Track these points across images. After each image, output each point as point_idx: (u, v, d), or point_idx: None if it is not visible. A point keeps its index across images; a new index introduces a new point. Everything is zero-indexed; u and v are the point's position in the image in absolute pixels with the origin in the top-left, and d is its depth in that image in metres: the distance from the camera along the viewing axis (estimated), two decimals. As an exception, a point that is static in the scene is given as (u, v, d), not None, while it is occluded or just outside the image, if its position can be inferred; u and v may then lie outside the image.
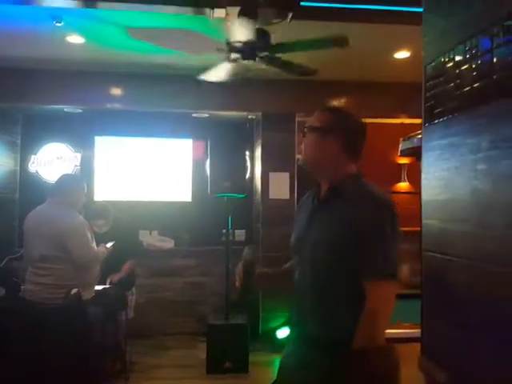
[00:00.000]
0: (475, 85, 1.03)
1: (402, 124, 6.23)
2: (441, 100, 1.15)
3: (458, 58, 1.10)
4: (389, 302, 1.57)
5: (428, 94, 1.20)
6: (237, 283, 5.18)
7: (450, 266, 1.12)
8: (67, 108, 5.65)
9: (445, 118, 1.12)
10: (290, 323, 1.94)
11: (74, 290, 2.97)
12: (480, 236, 1.02)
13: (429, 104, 1.19)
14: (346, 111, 1.84)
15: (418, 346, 1.46)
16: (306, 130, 1.85)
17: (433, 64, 1.20)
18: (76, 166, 6.10)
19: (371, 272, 1.59)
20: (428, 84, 1.21)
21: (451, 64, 1.12)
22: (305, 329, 1.79)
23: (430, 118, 1.19)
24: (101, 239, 4.03)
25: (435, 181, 1.16)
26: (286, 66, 3.90)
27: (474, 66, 1.04)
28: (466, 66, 1.07)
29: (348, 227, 1.63)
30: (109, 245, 4.04)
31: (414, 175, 7.00)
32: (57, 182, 3.80)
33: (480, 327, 1.06)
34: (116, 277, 4.50)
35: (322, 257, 1.71)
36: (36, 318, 2.38)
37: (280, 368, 1.87)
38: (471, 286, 1.08)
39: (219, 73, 3.94)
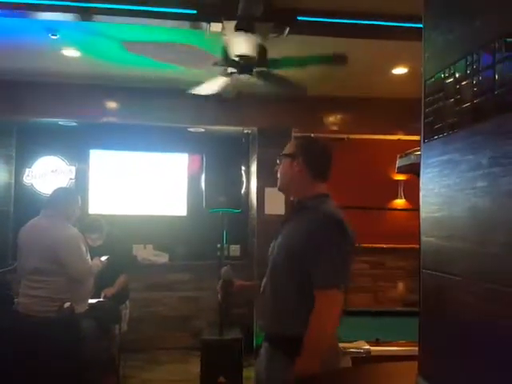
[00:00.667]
0: (476, 100, 1.02)
1: (398, 140, 6.25)
2: (440, 116, 1.13)
3: (458, 74, 1.09)
4: (332, 309, 1.83)
5: (427, 110, 1.19)
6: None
7: (449, 284, 1.10)
8: (62, 121, 5.64)
9: (444, 134, 1.11)
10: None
11: (67, 304, 2.94)
12: (479, 254, 1.00)
13: (428, 120, 1.18)
14: (310, 138, 2.29)
15: (414, 364, 1.43)
16: (278, 158, 2.16)
17: (433, 79, 1.19)
18: (71, 179, 6.09)
19: (318, 281, 1.83)
20: (427, 99, 1.19)
21: (451, 79, 1.11)
22: (267, 329, 2.04)
23: (429, 133, 1.18)
24: (95, 253, 4.00)
25: (434, 198, 1.14)
26: (281, 81, 3.91)
27: (474, 81, 1.03)
28: (466, 82, 1.05)
29: (302, 239, 1.90)
30: (103, 258, 4.02)
31: (411, 192, 7.00)
32: (51, 195, 3.79)
33: (479, 347, 1.03)
34: (110, 291, 4.47)
35: (279, 264, 1.98)
36: (29, 330, 2.34)
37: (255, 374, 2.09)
38: (470, 304, 1.06)
39: (212, 86, 3.94)
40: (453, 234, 1.05)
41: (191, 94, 4.24)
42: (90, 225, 4.51)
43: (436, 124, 1.14)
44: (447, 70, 1.15)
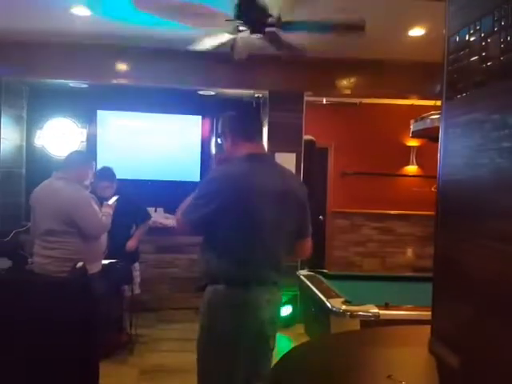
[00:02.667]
0: (503, 58, 0.97)
1: (411, 106, 6.15)
2: (464, 74, 1.09)
3: (484, 30, 1.04)
4: None
5: (450, 68, 1.14)
6: None
7: (467, 247, 1.08)
8: (72, 83, 5.59)
9: (468, 93, 1.07)
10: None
11: (79, 264, 2.97)
12: (502, 216, 0.98)
13: (451, 78, 1.14)
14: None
15: (426, 328, 1.42)
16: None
17: (457, 36, 1.14)
18: (82, 141, 6.07)
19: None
20: (451, 57, 1.15)
21: (477, 36, 1.06)
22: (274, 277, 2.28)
23: (451, 92, 1.14)
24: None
25: (455, 159, 1.11)
26: (284, 44, 3.84)
27: (501, 38, 0.98)
28: (493, 38, 1.01)
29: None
30: (111, 201, 3.96)
31: (423, 158, 6.93)
32: (66, 157, 3.80)
33: (494, 309, 1.02)
34: (132, 243, 4.51)
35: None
36: (42, 290, 2.37)
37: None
38: (488, 268, 1.04)
39: (216, 41, 3.86)
40: (474, 197, 1.02)
41: (202, 56, 4.17)
42: (100, 173, 4.41)
43: (459, 82, 1.10)
44: (472, 26, 1.10)
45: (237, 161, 2.27)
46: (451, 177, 1.14)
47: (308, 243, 2.44)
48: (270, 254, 2.22)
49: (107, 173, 4.54)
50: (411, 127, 4.11)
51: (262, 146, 2.48)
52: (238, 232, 2.17)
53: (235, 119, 2.43)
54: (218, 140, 2.46)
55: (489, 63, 1.01)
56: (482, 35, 1.06)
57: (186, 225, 2.33)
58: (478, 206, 1.04)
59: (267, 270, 2.23)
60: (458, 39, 1.15)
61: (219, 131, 2.45)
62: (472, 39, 1.10)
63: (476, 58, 1.06)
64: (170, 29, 4.38)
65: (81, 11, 4.21)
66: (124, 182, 5.15)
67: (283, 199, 2.22)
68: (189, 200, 2.34)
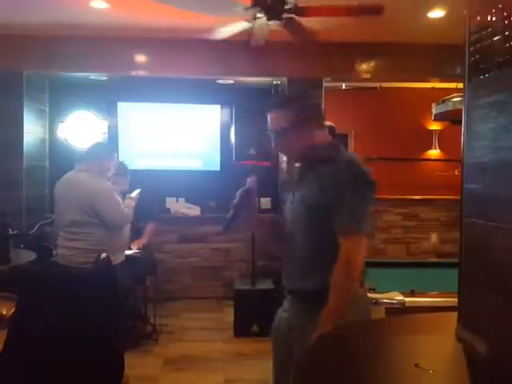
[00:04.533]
0: (527, 36, 0.94)
1: (432, 89, 6.04)
2: (487, 54, 1.06)
3: (506, 10, 1.01)
4: (358, 254, 1.86)
5: (472, 48, 1.11)
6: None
7: (494, 232, 1.06)
8: (92, 75, 5.64)
9: (491, 74, 1.04)
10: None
11: (104, 255, 3.01)
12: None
13: (473, 59, 1.11)
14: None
15: (453, 315, 1.40)
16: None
17: (478, 16, 1.10)
18: (104, 133, 6.12)
19: (344, 227, 1.86)
20: (473, 37, 1.12)
21: (499, 15, 1.03)
22: (295, 286, 2.03)
23: (474, 73, 1.11)
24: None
25: (479, 142, 1.08)
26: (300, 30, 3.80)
27: (526, 15, 0.95)
28: (516, 17, 0.98)
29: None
30: (134, 194, 3.97)
31: (446, 142, 6.81)
32: (88, 149, 3.84)
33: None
34: (140, 242, 4.52)
35: (304, 222, 1.98)
36: (67, 281, 2.41)
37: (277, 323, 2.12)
38: (515, 253, 1.01)
39: (233, 30, 3.85)
40: (500, 180, 1.00)
41: (219, 44, 4.15)
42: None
43: (482, 63, 1.07)
44: (494, 5, 1.07)
45: (341, 150, 2.05)
46: (476, 159, 1.11)
47: None
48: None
49: (121, 167, 4.55)
50: (433, 110, 4.05)
51: None
52: None
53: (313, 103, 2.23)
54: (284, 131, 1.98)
55: (511, 43, 0.98)
56: (505, 14, 1.02)
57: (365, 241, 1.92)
58: (503, 189, 1.01)
59: None
60: (479, 19, 1.11)
61: (293, 118, 1.97)
62: (494, 19, 1.06)
63: (498, 37, 1.03)
64: (186, 19, 4.37)
65: (100, 4, 4.23)
66: (145, 174, 5.19)
67: None
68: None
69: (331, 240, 1.86)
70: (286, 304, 2.10)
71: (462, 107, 1.21)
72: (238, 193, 2.07)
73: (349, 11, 3.65)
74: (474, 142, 1.11)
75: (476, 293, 1.18)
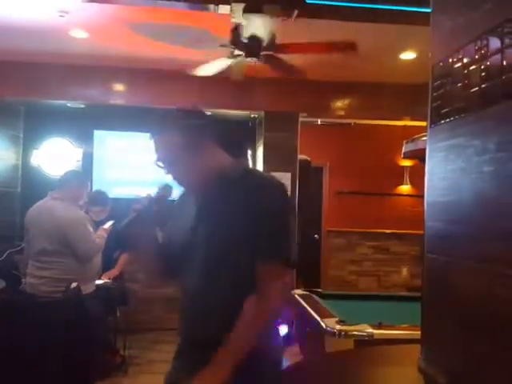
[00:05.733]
0: (483, 85, 1.02)
1: (405, 127, 6.22)
2: (448, 100, 1.13)
3: (466, 58, 1.09)
4: (278, 284, 1.52)
5: (435, 94, 1.19)
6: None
7: (453, 268, 1.11)
8: (69, 103, 5.65)
9: (451, 119, 1.11)
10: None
11: (74, 284, 2.97)
12: (485, 239, 1.01)
13: (435, 104, 1.18)
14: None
15: (416, 347, 1.44)
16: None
17: (440, 64, 1.18)
18: (78, 160, 6.09)
19: (266, 255, 1.52)
20: (435, 84, 1.19)
21: (459, 64, 1.11)
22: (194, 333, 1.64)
23: (436, 118, 1.18)
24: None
25: (440, 182, 1.15)
26: (283, 66, 3.91)
27: (482, 66, 1.03)
28: (474, 67, 1.05)
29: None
30: (107, 225, 3.94)
31: (417, 178, 6.98)
32: (61, 177, 3.81)
33: (482, 330, 1.04)
34: (112, 273, 4.47)
35: (217, 256, 1.59)
36: (36, 311, 2.38)
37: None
38: (474, 288, 1.07)
39: (216, 67, 3.94)
40: (459, 219, 1.05)
41: (197, 76, 4.23)
42: (93, 197, 4.37)
43: (443, 108, 1.14)
44: (455, 55, 1.15)
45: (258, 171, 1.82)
46: (436, 198, 1.17)
47: None
48: None
49: (101, 197, 4.52)
50: (403, 148, 4.16)
51: None
52: None
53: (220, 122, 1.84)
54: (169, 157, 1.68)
55: (470, 90, 1.05)
56: (464, 63, 1.10)
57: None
58: (462, 227, 1.07)
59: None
60: (441, 66, 1.19)
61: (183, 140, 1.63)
62: (455, 67, 1.14)
63: (458, 85, 1.10)
64: (165, 51, 4.46)
65: (79, 34, 4.28)
66: (119, 202, 5.16)
67: None
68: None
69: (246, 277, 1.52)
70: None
71: (426, 149, 1.28)
72: (145, 197, 1.75)
73: (324, 48, 3.78)
74: (435, 182, 1.17)
75: (437, 326, 1.22)
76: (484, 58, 1.03)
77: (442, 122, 1.14)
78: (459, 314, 1.10)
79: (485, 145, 0.98)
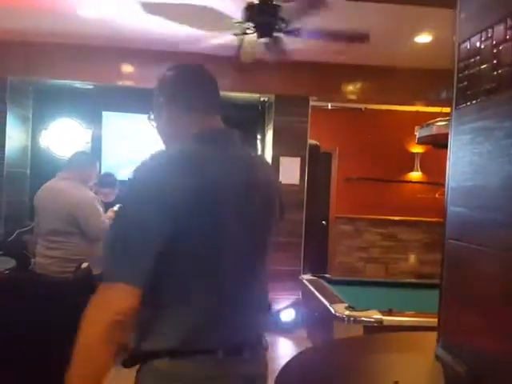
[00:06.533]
0: (514, 65, 0.97)
1: (416, 113, 6.16)
2: (475, 81, 1.09)
3: (496, 37, 1.04)
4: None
5: (461, 75, 1.14)
6: None
7: (476, 255, 1.08)
8: (78, 83, 5.62)
9: (478, 100, 1.07)
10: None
11: (85, 265, 2.98)
12: (510, 224, 0.97)
13: (461, 85, 1.14)
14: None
15: (431, 334, 1.42)
16: None
17: (467, 43, 1.14)
18: (87, 142, 6.08)
19: None
20: (461, 64, 1.15)
21: (488, 43, 1.06)
22: None
23: (461, 99, 1.14)
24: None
25: (465, 166, 1.11)
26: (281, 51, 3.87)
27: (513, 45, 0.98)
28: (504, 46, 1.01)
29: None
30: (116, 207, 3.94)
31: (427, 165, 6.92)
32: (69, 157, 3.80)
33: (505, 319, 1.01)
34: None
35: None
36: (46, 290, 2.38)
37: None
38: (497, 276, 1.03)
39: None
40: (484, 205, 1.02)
41: (208, 58, 4.18)
42: (101, 179, 4.37)
43: (469, 89, 1.10)
44: (484, 33, 1.10)
45: (186, 143, 1.37)
46: (460, 183, 1.14)
47: None
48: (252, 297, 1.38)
49: (109, 179, 4.52)
50: (416, 134, 4.11)
51: (220, 121, 1.51)
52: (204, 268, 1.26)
53: (179, 80, 1.50)
54: (149, 119, 1.57)
55: (500, 71, 1.01)
56: (494, 42, 1.06)
57: (133, 289, 1.16)
58: (488, 213, 1.04)
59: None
60: (468, 46, 1.15)
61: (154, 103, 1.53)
62: (483, 46, 1.09)
63: (487, 65, 1.06)
64: (176, 30, 4.40)
65: (87, 13, 4.23)
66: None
67: (262, 202, 1.39)
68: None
69: None
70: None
71: (449, 131, 1.24)
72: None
73: (336, 37, 3.73)
74: (459, 166, 1.14)
75: (456, 313, 1.19)
76: (515, 36, 0.99)
77: (468, 103, 1.10)
78: (481, 302, 1.07)
79: (514, 127, 0.95)
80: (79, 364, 1.19)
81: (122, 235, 1.20)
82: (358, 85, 5.64)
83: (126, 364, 1.35)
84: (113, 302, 1.18)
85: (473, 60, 1.11)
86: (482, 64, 1.08)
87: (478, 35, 1.10)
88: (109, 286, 1.19)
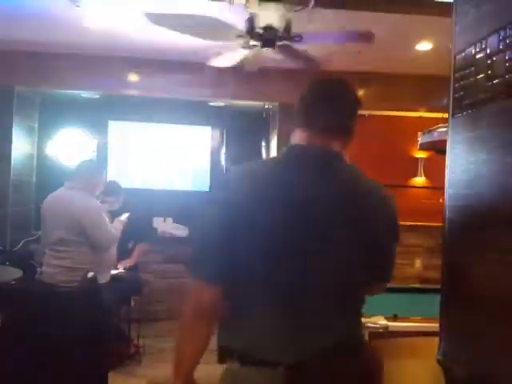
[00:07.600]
0: (508, 76, 1.00)
1: (419, 118, 6.16)
2: (470, 91, 1.12)
3: (490, 48, 1.07)
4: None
5: (457, 85, 1.17)
6: None
7: (476, 260, 1.10)
8: (84, 93, 5.67)
9: (474, 110, 1.09)
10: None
11: (90, 274, 3.00)
12: (508, 232, 1.00)
13: (457, 95, 1.17)
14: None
15: (434, 339, 1.44)
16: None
17: (463, 54, 1.17)
18: (93, 151, 6.13)
19: None
20: (457, 74, 1.18)
21: (483, 54, 1.09)
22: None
23: (457, 109, 1.16)
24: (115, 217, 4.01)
25: (461, 174, 1.13)
26: (300, 56, 3.88)
27: (507, 56, 1.01)
28: (498, 57, 1.04)
29: None
30: (123, 217, 3.98)
31: (431, 170, 6.92)
32: (77, 167, 3.84)
33: (508, 325, 1.03)
34: (128, 262, 4.51)
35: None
36: (53, 300, 2.40)
37: None
38: (498, 282, 1.06)
39: (232, 58, 3.92)
40: (482, 211, 1.04)
41: (212, 67, 4.22)
42: (106, 188, 4.33)
43: (465, 99, 1.13)
44: (478, 45, 1.13)
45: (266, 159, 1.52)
46: (458, 191, 1.16)
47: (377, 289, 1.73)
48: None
49: (113, 187, 4.56)
50: (419, 140, 4.13)
51: (327, 140, 1.53)
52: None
53: (303, 92, 1.57)
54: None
55: (494, 81, 1.03)
56: (488, 53, 1.08)
57: (210, 286, 1.39)
58: (483, 219, 1.06)
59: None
60: (464, 57, 1.17)
61: None
62: (478, 57, 1.12)
63: (482, 76, 1.09)
64: (180, 41, 4.44)
65: (93, 24, 4.28)
66: (134, 192, 5.19)
67: (343, 226, 1.44)
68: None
69: None
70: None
71: (447, 140, 1.26)
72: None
73: (339, 38, 3.74)
74: (456, 174, 1.16)
75: (458, 319, 1.21)
76: (508, 47, 1.02)
77: (464, 113, 1.13)
78: (482, 307, 1.09)
79: (509, 136, 0.97)
80: (180, 334, 1.60)
81: (201, 242, 1.46)
82: (361, 92, 5.66)
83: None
84: (196, 293, 1.45)
85: (468, 71, 1.14)
86: (477, 74, 1.10)
87: (473, 47, 1.12)
88: (193, 281, 1.44)
